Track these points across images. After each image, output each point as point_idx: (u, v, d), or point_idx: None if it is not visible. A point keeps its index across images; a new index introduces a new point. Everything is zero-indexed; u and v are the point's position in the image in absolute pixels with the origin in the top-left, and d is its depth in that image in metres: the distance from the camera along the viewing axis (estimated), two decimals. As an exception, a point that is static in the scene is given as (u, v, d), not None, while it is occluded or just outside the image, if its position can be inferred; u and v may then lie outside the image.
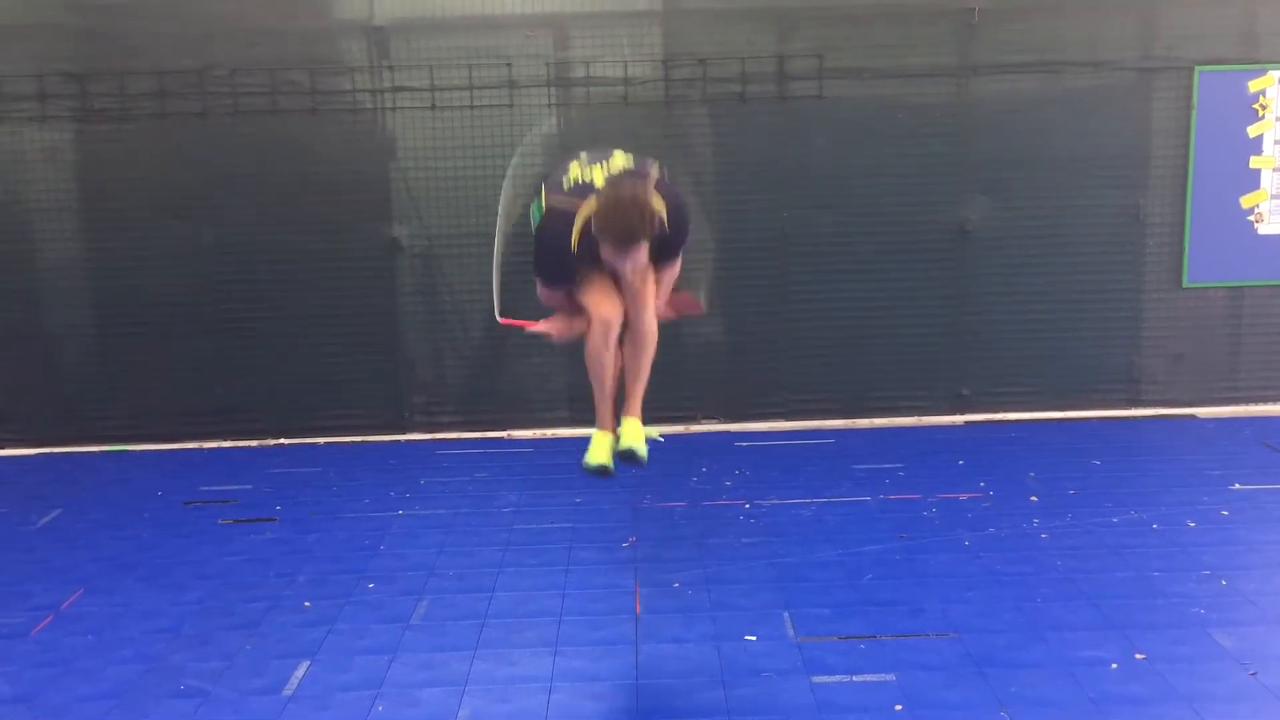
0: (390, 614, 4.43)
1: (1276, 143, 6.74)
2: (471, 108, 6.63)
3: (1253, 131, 6.74)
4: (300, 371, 6.83)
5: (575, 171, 3.87)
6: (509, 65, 6.60)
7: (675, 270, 4.13)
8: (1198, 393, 6.98)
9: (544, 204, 3.87)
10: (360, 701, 3.78)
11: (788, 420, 6.91)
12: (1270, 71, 6.68)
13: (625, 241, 3.64)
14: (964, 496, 5.56)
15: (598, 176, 3.79)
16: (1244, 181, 6.78)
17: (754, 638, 4.14)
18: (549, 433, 6.85)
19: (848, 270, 6.80)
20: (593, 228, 3.69)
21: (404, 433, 6.89)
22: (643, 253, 3.72)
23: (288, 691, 3.86)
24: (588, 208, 3.72)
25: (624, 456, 3.97)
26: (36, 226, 6.70)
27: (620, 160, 3.88)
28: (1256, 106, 6.71)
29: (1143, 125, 6.73)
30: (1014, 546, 4.91)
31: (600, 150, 3.96)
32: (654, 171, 3.88)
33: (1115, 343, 6.92)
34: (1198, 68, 6.66)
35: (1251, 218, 6.82)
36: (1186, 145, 6.73)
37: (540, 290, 4.05)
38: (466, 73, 6.59)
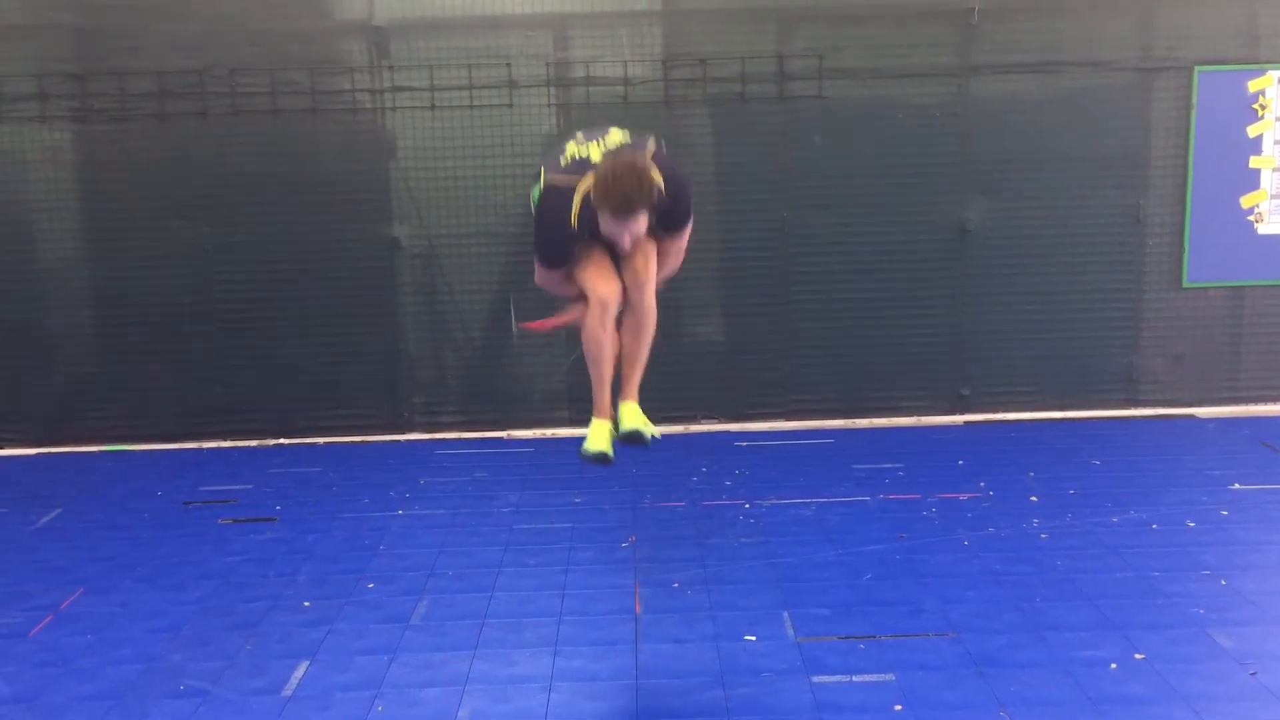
0: (390, 614, 4.43)
1: (1276, 143, 6.74)
2: (471, 108, 6.63)
3: (1252, 131, 6.74)
4: (300, 371, 6.83)
5: (572, 149, 3.85)
6: (509, 65, 6.60)
7: (680, 245, 4.06)
8: (1197, 393, 6.98)
9: (542, 184, 3.85)
10: (360, 701, 3.77)
11: (787, 420, 6.90)
12: (1270, 71, 6.68)
13: (624, 210, 3.61)
14: (964, 496, 5.56)
15: (594, 153, 3.77)
16: (1244, 181, 6.78)
17: (754, 638, 4.14)
18: (549, 433, 6.85)
19: (847, 270, 6.80)
20: (592, 198, 3.65)
21: (404, 433, 6.89)
22: (642, 223, 3.69)
23: (287, 691, 3.86)
24: (586, 183, 3.68)
25: (628, 439, 3.89)
26: (37, 226, 6.69)
27: (617, 136, 3.88)
28: (1256, 106, 6.71)
29: (1142, 125, 6.73)
30: (1014, 546, 4.91)
31: (597, 128, 3.95)
32: (651, 145, 3.86)
33: (1115, 343, 6.92)
34: (1197, 68, 6.65)
35: (1251, 218, 6.82)
36: (1186, 145, 6.73)
37: (538, 274, 3.98)
38: (466, 73, 6.59)
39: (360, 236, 6.73)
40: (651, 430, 3.95)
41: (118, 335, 6.79)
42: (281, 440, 6.87)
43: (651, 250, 3.92)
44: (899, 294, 6.83)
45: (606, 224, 3.68)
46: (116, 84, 6.55)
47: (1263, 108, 6.71)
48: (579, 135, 3.91)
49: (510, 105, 6.63)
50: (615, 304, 3.85)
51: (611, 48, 6.59)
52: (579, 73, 6.61)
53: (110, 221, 6.70)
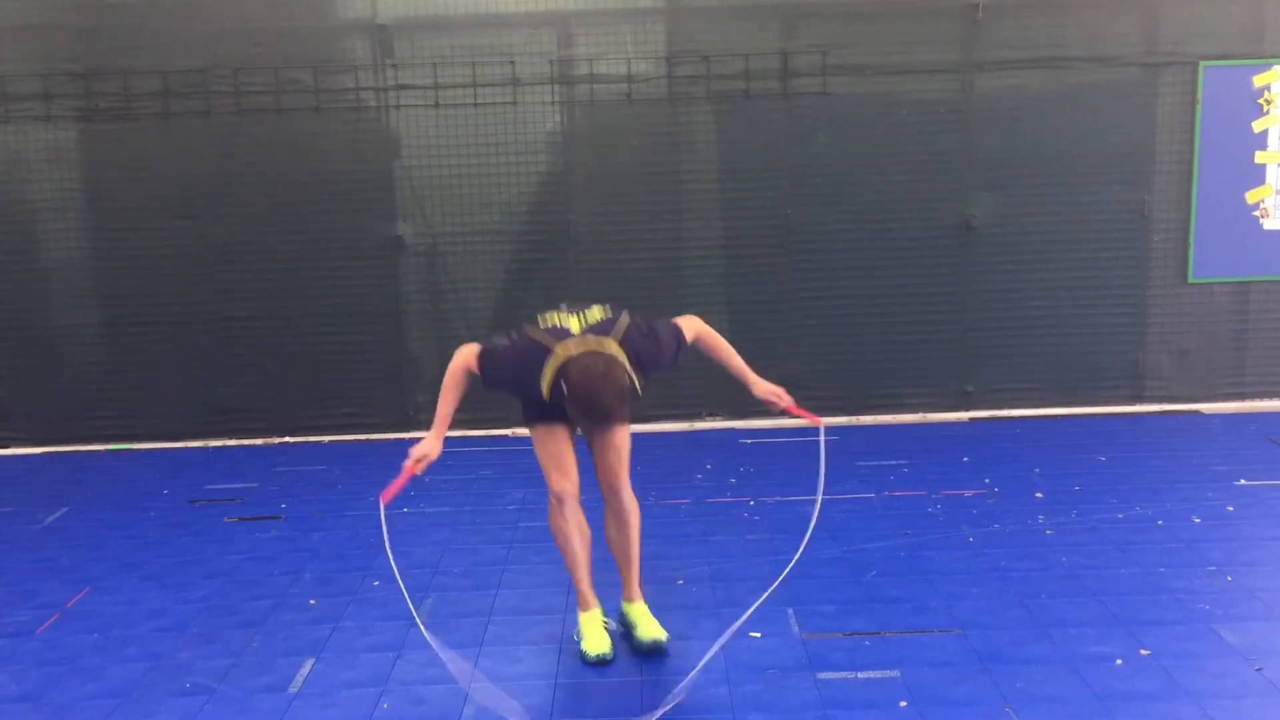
0: (395, 611, 4.43)
1: (1282, 138, 6.74)
2: (475, 105, 6.63)
3: (1258, 126, 6.73)
4: (305, 370, 6.84)
5: (554, 318, 3.83)
6: (512, 63, 6.60)
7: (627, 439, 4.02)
8: (1203, 389, 6.97)
9: (521, 332, 3.84)
10: (365, 699, 3.78)
11: (792, 417, 6.88)
12: (1275, 66, 6.66)
13: (600, 421, 3.69)
14: (969, 493, 5.55)
15: (574, 325, 3.75)
16: (1249, 177, 6.76)
17: (758, 634, 4.14)
18: (553, 430, 6.84)
19: (852, 266, 6.80)
20: (566, 403, 3.63)
21: (408, 431, 6.89)
22: (617, 428, 3.80)
23: (293, 689, 3.86)
24: (562, 354, 3.63)
25: (649, 651, 3.96)
26: (41, 225, 6.71)
27: (598, 313, 3.83)
28: (1261, 101, 6.70)
29: (1147, 121, 6.71)
30: (1019, 543, 4.91)
31: (578, 302, 3.92)
32: (624, 322, 3.80)
33: (1120, 339, 6.91)
34: (1202, 63, 6.64)
35: (1257, 213, 6.80)
36: (1191, 141, 6.72)
37: (473, 364, 3.85)
38: (470, 71, 6.60)
39: (364, 235, 6.74)
40: (665, 636, 4.01)
41: (122, 334, 6.80)
42: (286, 439, 6.88)
43: (623, 442, 3.93)
44: (903, 290, 6.82)
45: (582, 426, 3.71)
46: (120, 83, 6.56)
47: (1268, 103, 6.70)
48: (563, 306, 3.88)
49: (514, 103, 6.63)
50: (573, 496, 3.89)
51: (615, 45, 6.59)
52: (583, 70, 6.61)
53: (114, 220, 6.71)
